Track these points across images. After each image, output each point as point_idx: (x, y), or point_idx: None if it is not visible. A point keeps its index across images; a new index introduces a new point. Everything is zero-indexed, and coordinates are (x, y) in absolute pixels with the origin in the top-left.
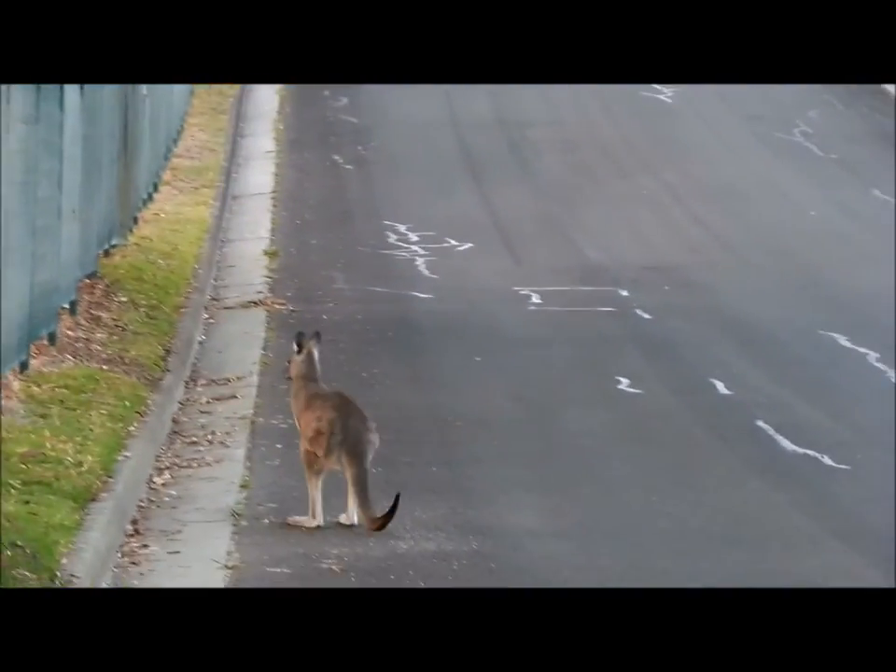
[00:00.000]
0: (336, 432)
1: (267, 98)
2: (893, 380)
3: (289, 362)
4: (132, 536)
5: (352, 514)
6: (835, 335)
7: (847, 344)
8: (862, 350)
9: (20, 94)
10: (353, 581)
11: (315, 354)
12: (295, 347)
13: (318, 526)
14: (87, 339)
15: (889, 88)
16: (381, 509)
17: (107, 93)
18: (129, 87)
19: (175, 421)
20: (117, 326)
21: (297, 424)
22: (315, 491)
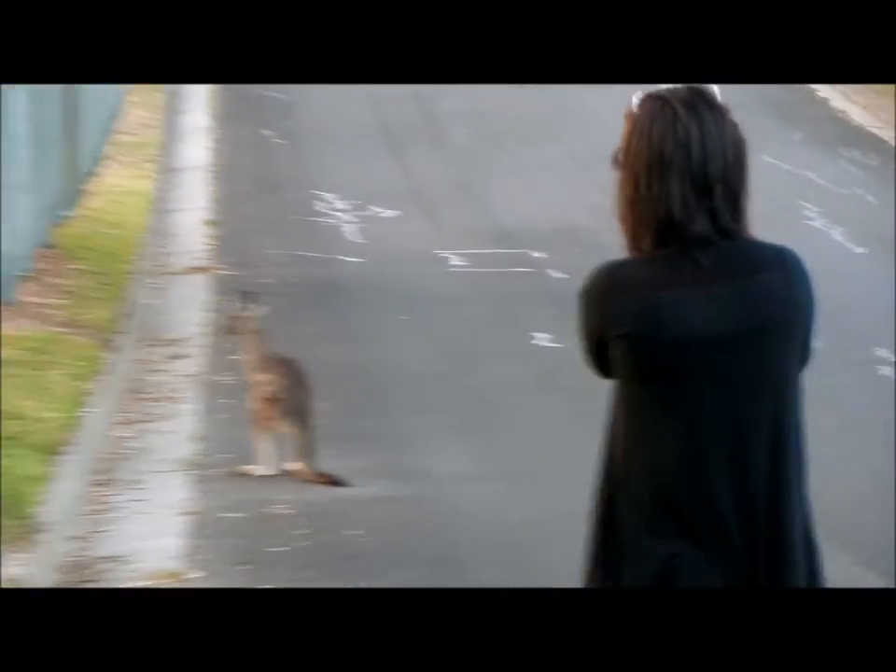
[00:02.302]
0: (286, 400)
1: None
2: None
3: (232, 318)
4: (97, 485)
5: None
6: None
7: None
8: None
9: None
10: (302, 524)
11: (259, 311)
12: (239, 304)
13: (265, 475)
14: (43, 304)
15: None
16: (328, 466)
17: None
18: None
19: (129, 379)
20: (71, 291)
21: (248, 378)
22: (262, 443)
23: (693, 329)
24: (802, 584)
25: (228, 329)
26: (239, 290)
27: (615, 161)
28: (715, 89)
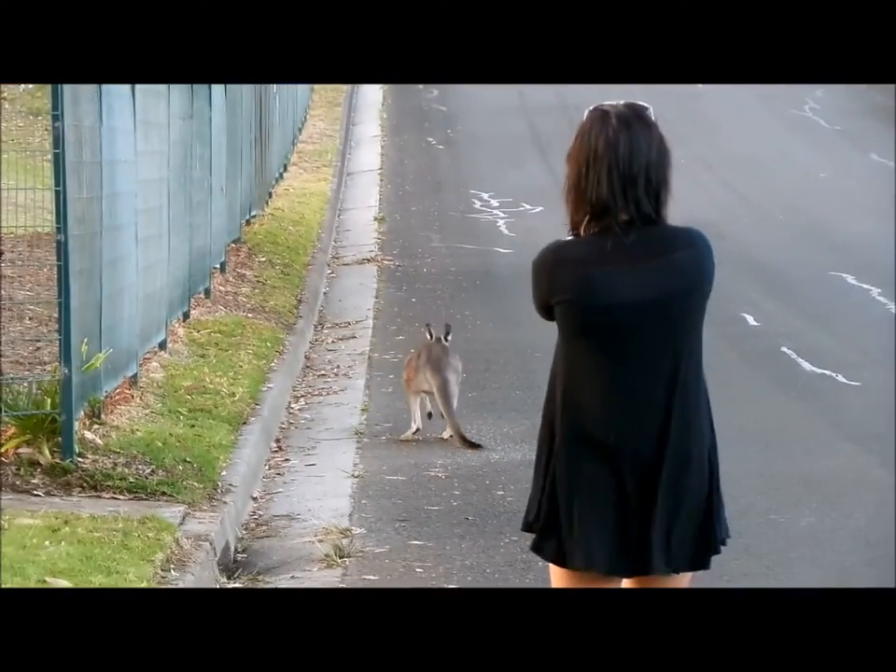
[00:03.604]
0: (420, 356)
1: (372, 92)
2: (893, 311)
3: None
4: (276, 452)
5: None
6: (843, 275)
7: (853, 282)
8: (866, 287)
9: (177, 95)
10: (455, 485)
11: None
12: (427, 335)
13: (418, 429)
14: (235, 292)
15: None
16: (480, 431)
17: (245, 92)
18: (262, 86)
19: (306, 357)
20: (258, 281)
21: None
22: (414, 405)
23: (618, 297)
24: (701, 493)
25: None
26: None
27: (567, 158)
28: (650, 108)
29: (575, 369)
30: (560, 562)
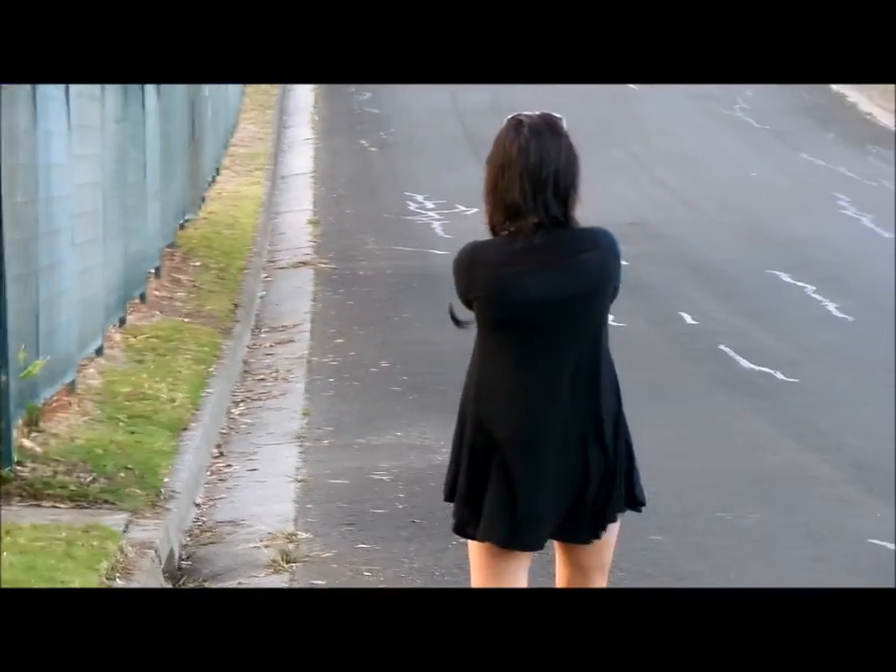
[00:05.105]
0: None
1: (304, 95)
2: (828, 308)
3: None
4: (217, 458)
5: None
6: (778, 273)
7: (789, 280)
8: (801, 284)
9: (111, 98)
10: (400, 488)
11: None
12: None
13: None
14: (170, 297)
15: None
16: (422, 436)
17: (178, 95)
18: (194, 89)
19: (245, 362)
20: (193, 285)
21: None
22: None
23: (529, 296)
24: (622, 465)
25: None
26: None
27: (486, 162)
28: (563, 119)
29: (490, 359)
30: (466, 534)
